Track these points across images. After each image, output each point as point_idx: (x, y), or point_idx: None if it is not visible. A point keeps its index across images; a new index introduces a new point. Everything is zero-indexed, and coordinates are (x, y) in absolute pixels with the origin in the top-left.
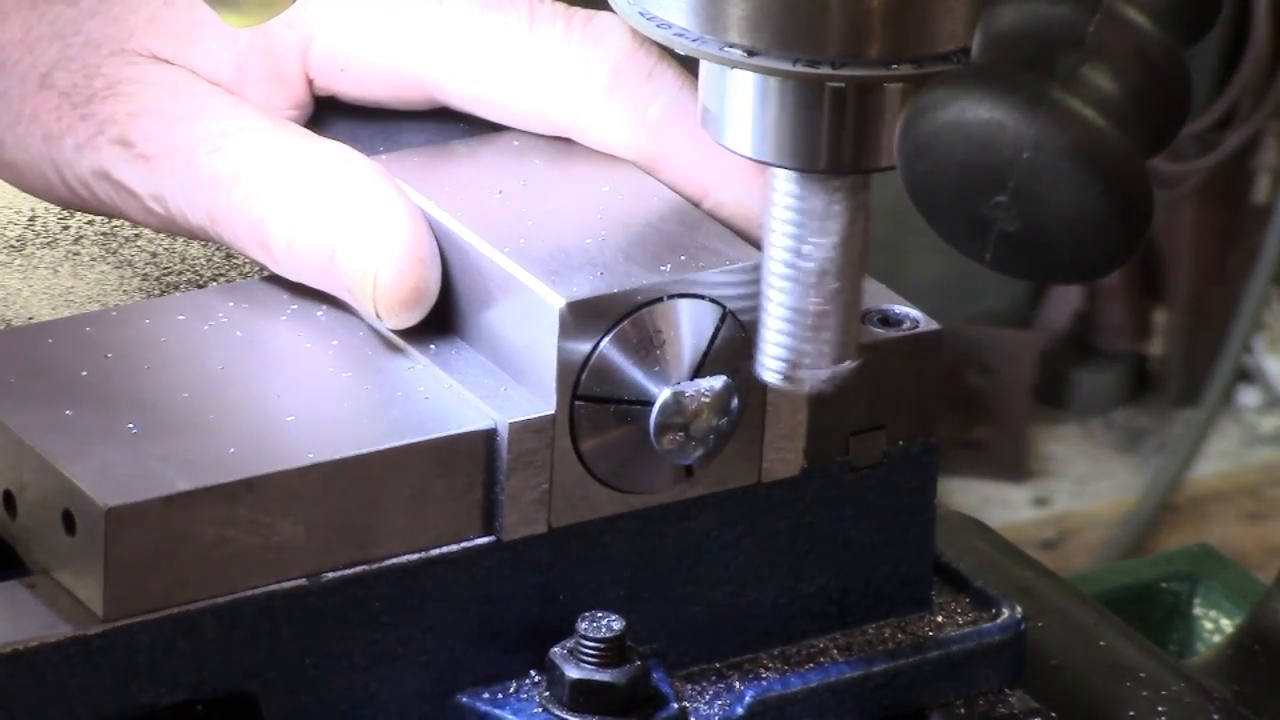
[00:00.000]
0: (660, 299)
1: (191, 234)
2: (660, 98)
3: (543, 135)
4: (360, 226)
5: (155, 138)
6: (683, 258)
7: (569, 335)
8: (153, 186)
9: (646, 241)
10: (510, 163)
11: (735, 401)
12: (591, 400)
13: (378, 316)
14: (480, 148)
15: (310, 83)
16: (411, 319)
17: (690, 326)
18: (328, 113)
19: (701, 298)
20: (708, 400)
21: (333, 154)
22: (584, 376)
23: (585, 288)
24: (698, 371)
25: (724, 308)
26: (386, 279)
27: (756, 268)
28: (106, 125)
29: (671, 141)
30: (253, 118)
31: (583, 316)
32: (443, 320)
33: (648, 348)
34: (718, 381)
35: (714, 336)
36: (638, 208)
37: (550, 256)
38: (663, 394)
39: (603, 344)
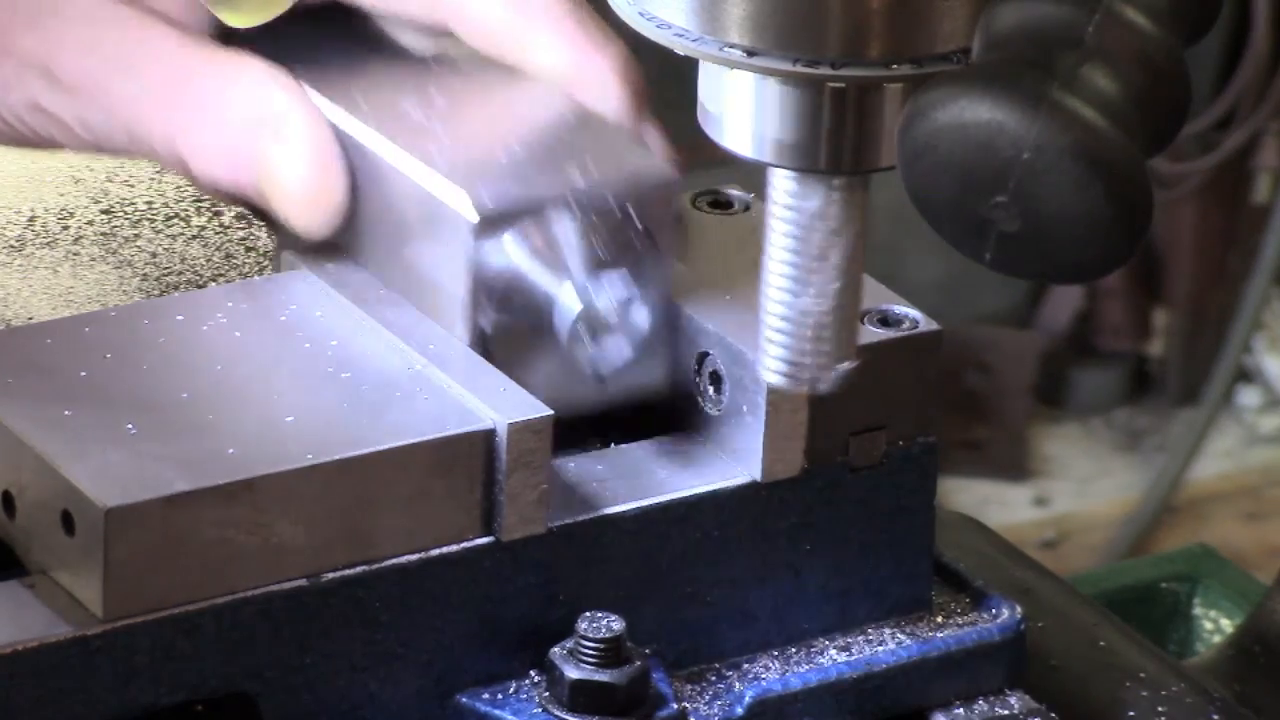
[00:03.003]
0: (569, 207)
1: (118, 154)
2: None
3: (456, 54)
4: (266, 135)
5: (71, 66)
6: (591, 167)
7: (480, 244)
8: (78, 112)
9: (556, 151)
10: (424, 78)
11: (643, 307)
12: (502, 307)
13: (290, 223)
14: (395, 64)
15: None
16: (321, 225)
17: (597, 234)
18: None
19: (609, 206)
20: (615, 305)
21: (240, 65)
22: (494, 284)
23: (496, 197)
24: (605, 277)
25: (632, 215)
26: (293, 186)
27: (663, 178)
28: (29, 58)
29: (539, 28)
30: (162, 38)
31: (493, 225)
32: (354, 234)
33: (556, 254)
34: (624, 287)
35: (621, 243)
36: (548, 120)
37: (462, 167)
38: (571, 299)
39: (512, 251)
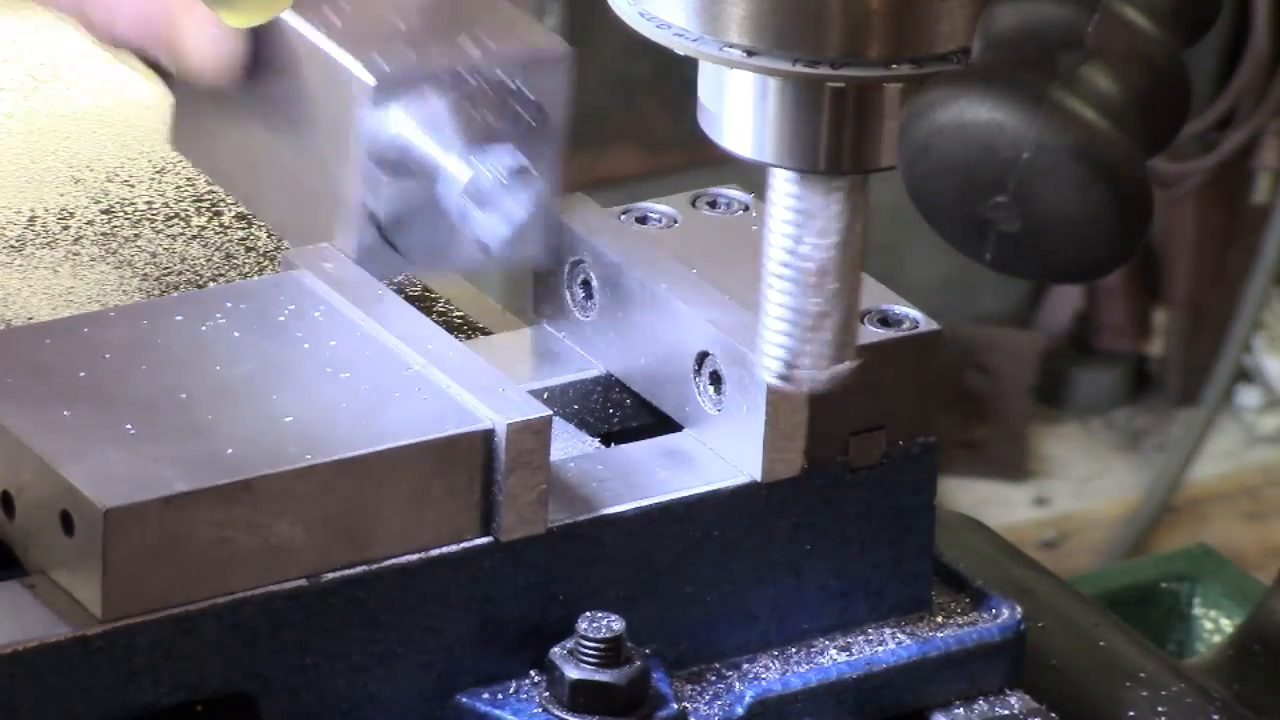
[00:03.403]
0: (462, 77)
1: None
2: None
3: None
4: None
5: None
6: (485, 39)
7: (375, 109)
8: None
9: (451, 24)
10: None
11: (530, 179)
12: (394, 171)
13: (191, 79)
14: None
15: None
16: (222, 81)
17: (489, 103)
18: None
19: (501, 77)
20: (503, 174)
21: None
22: (387, 149)
23: (391, 64)
24: (494, 148)
25: (521, 87)
26: (200, 48)
27: (555, 52)
28: None
29: None
30: None
31: (388, 91)
32: (257, 100)
33: (447, 123)
34: (513, 156)
35: (512, 114)
36: None
37: (359, 35)
38: (460, 167)
39: (406, 118)
